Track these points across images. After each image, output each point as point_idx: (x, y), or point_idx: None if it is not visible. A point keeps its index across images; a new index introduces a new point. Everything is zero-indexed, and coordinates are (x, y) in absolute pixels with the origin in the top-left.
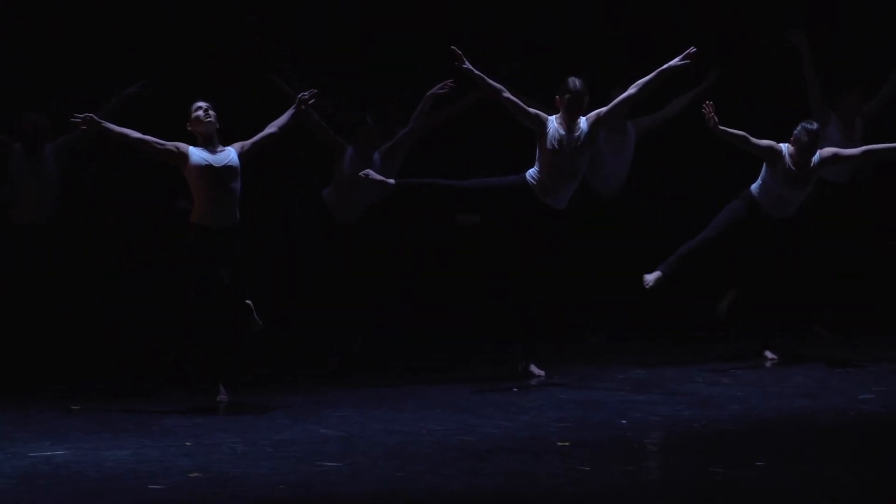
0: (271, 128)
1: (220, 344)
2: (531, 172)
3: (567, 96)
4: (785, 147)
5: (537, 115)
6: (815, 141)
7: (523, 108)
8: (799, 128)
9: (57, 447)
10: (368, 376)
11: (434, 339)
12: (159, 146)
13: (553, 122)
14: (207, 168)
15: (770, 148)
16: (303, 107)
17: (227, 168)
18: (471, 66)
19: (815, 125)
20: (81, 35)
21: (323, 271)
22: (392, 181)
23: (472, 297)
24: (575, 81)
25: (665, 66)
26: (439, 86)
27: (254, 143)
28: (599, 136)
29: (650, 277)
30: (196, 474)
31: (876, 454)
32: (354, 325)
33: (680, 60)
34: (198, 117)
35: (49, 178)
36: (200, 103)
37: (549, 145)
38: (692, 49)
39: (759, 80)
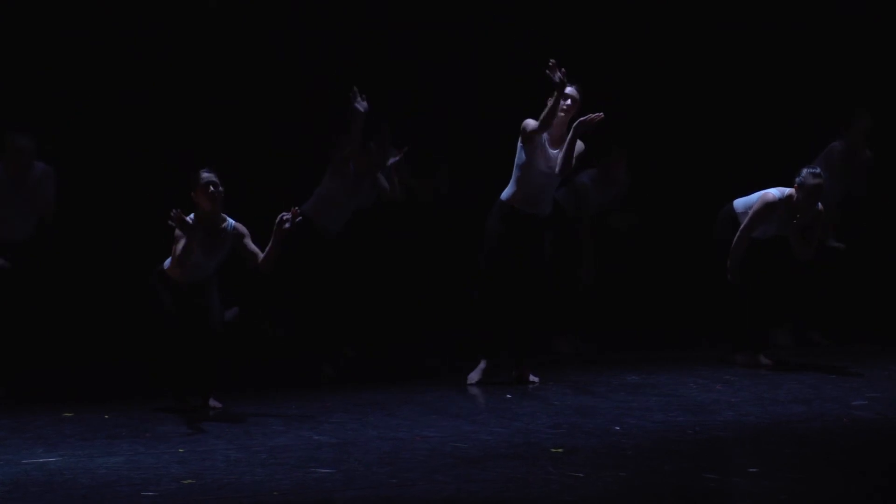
0: (259, 255)
1: (213, 354)
2: (507, 193)
3: (556, 95)
4: (777, 192)
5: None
6: (822, 185)
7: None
8: (804, 173)
9: (50, 454)
10: (362, 382)
11: (428, 343)
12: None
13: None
14: (200, 248)
15: (764, 210)
16: (285, 226)
17: (219, 254)
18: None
19: (819, 169)
20: (81, 37)
21: (313, 280)
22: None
23: (466, 301)
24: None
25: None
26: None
27: (244, 246)
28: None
29: (765, 360)
30: (190, 481)
31: (869, 460)
32: (348, 330)
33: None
34: (211, 194)
35: (32, 197)
36: (210, 176)
37: (539, 142)
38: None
39: (762, 81)
